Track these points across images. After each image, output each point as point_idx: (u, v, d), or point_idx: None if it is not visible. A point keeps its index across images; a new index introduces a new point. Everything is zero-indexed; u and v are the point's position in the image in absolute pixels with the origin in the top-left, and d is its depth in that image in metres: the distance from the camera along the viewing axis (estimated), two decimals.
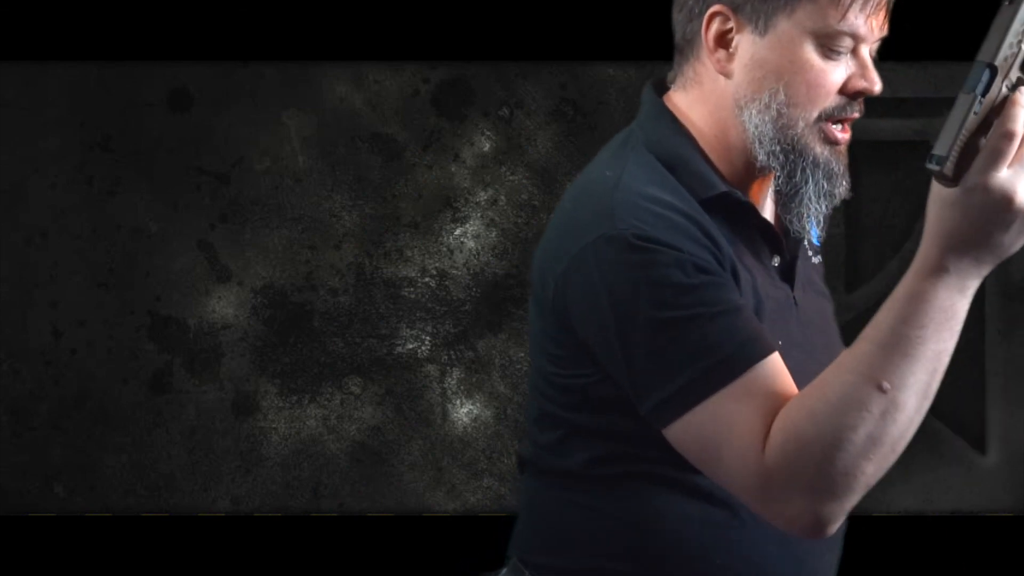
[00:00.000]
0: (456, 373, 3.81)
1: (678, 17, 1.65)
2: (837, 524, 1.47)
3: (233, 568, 3.77)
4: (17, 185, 3.80)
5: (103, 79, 3.79)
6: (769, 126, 1.59)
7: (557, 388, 1.64)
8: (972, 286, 1.44)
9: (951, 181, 1.39)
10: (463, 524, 3.79)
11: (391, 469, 3.82)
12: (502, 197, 3.81)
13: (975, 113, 1.37)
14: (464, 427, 3.81)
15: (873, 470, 1.44)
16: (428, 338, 3.82)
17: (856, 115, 1.61)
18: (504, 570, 1.73)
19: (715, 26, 1.60)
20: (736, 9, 1.58)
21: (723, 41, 1.60)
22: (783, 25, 1.57)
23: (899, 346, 1.43)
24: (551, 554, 1.69)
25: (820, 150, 1.60)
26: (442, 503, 3.80)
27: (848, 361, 1.47)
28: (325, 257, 3.82)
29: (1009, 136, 1.37)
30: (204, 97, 3.81)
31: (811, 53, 1.57)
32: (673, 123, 1.65)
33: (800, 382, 1.54)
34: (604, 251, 1.53)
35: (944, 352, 1.44)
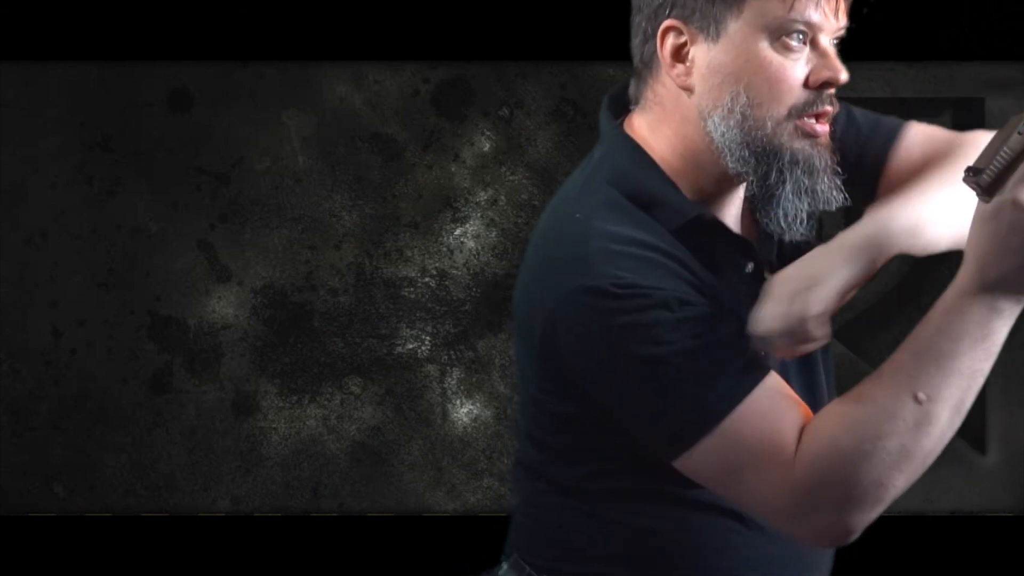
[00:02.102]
0: (456, 373, 3.81)
1: (634, 42, 1.63)
2: (859, 533, 1.50)
3: (233, 568, 3.77)
4: (17, 185, 3.80)
5: (103, 79, 3.79)
6: (736, 131, 1.56)
7: (551, 416, 1.63)
8: (1007, 308, 1.45)
9: (985, 194, 1.38)
10: (463, 524, 3.79)
11: (391, 469, 3.82)
12: (502, 197, 3.81)
13: (1020, 133, 1.36)
14: (464, 427, 3.81)
15: (903, 482, 1.51)
16: (428, 338, 3.82)
17: (829, 109, 1.57)
18: (504, 566, 1.73)
19: (669, 41, 1.57)
20: (686, 20, 1.56)
21: (680, 55, 1.57)
22: (733, 26, 1.54)
23: (935, 358, 1.45)
24: (550, 557, 1.69)
25: (798, 146, 1.56)
26: (442, 503, 3.80)
27: (886, 371, 1.47)
28: (325, 257, 3.82)
29: None
30: (204, 97, 3.80)
31: (766, 50, 1.54)
32: (635, 152, 1.62)
33: (789, 382, 1.55)
34: (587, 300, 1.51)
35: (979, 372, 1.48)
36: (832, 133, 1.61)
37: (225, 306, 3.83)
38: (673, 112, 1.61)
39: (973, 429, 3.82)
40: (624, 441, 1.57)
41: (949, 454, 4.21)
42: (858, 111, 1.75)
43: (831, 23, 1.56)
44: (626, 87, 1.69)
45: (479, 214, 3.82)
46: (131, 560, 3.76)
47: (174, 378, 3.81)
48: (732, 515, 1.61)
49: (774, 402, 1.49)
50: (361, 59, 3.79)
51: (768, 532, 1.60)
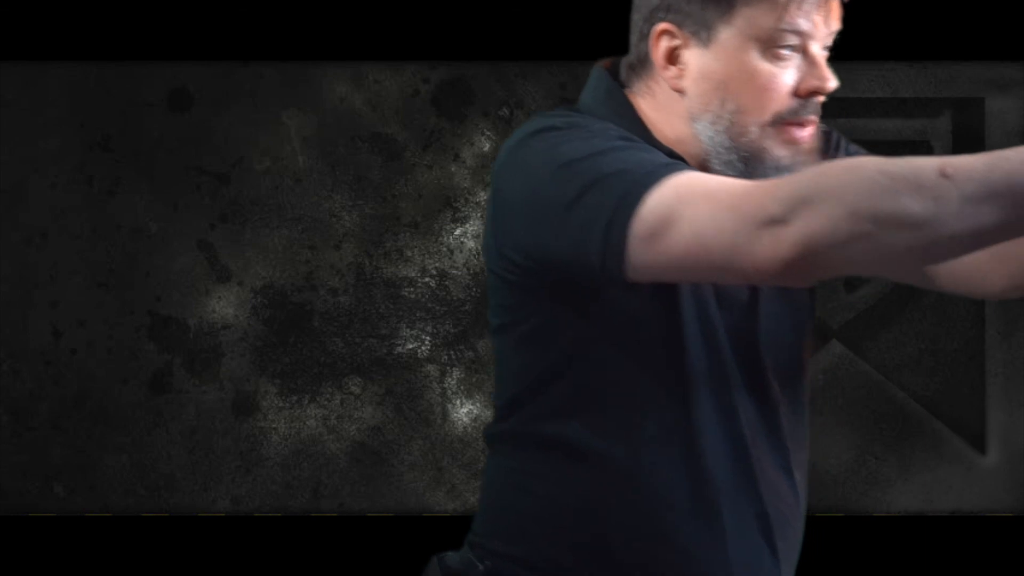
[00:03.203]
0: (456, 373, 3.81)
1: (632, 39, 1.64)
2: (818, 261, 1.35)
3: (233, 568, 3.77)
4: (17, 185, 3.80)
5: (103, 79, 3.79)
6: (723, 136, 1.56)
7: (507, 332, 1.67)
8: None
9: None
10: (463, 524, 3.78)
11: (391, 469, 3.82)
12: None
13: None
14: (464, 427, 3.81)
15: (875, 232, 1.32)
16: (428, 338, 3.82)
17: (813, 116, 1.57)
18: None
19: (663, 44, 1.58)
20: (680, 25, 1.56)
21: (673, 58, 1.58)
22: (725, 34, 1.54)
23: (990, 161, 1.31)
24: (486, 526, 1.77)
25: (781, 153, 1.56)
26: (442, 503, 3.80)
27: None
28: (325, 257, 3.82)
29: None
30: (204, 97, 3.81)
31: (756, 58, 1.54)
32: (637, 118, 1.62)
33: (767, 366, 1.55)
34: (532, 138, 1.53)
35: (1010, 218, 1.30)
36: (824, 154, 1.60)
37: (225, 306, 3.83)
38: (666, 107, 1.61)
39: (973, 429, 3.82)
40: (569, 355, 1.57)
41: (949, 454, 4.24)
42: (853, 146, 1.74)
43: (822, 31, 1.56)
44: (618, 64, 1.70)
45: (479, 214, 3.82)
46: (131, 560, 3.77)
47: (174, 378, 3.81)
48: (674, 494, 1.59)
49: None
50: (361, 59, 3.79)
51: (674, 499, 1.58)
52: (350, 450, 3.83)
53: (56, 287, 3.80)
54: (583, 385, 1.60)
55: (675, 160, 1.50)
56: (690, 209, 1.41)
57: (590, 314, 1.57)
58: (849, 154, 1.70)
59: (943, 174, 1.30)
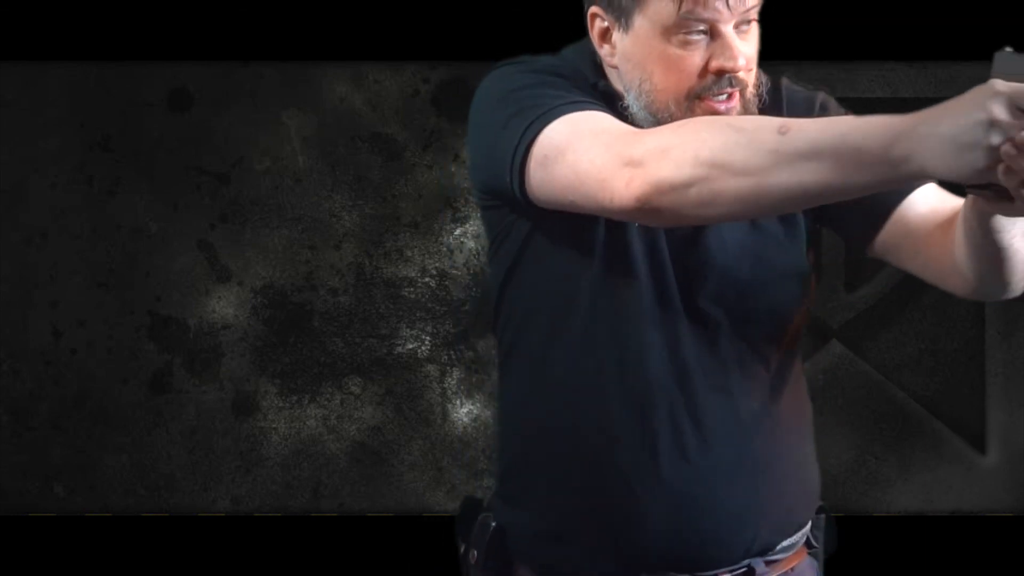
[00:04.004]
0: (456, 373, 3.82)
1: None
2: (660, 198, 1.48)
3: (233, 568, 3.77)
4: (17, 185, 3.80)
5: (103, 79, 3.79)
6: (645, 111, 1.67)
7: (492, 268, 1.81)
8: (909, 158, 1.37)
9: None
10: None
11: (391, 469, 3.82)
12: None
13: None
14: (464, 427, 3.81)
15: (714, 176, 1.44)
16: (428, 338, 3.82)
17: (729, 89, 1.65)
18: None
19: (596, 25, 1.71)
20: (606, 10, 1.69)
21: (605, 37, 1.70)
22: (639, 21, 1.65)
23: (825, 125, 1.43)
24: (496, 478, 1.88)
25: None
26: (442, 503, 3.80)
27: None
28: (325, 257, 3.82)
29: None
30: (204, 97, 3.81)
31: (665, 43, 1.64)
32: (594, 65, 1.74)
33: (711, 292, 1.65)
34: (488, 77, 1.72)
35: (834, 176, 1.40)
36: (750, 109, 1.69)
37: (225, 306, 3.83)
38: (614, 77, 1.73)
39: (973, 429, 3.82)
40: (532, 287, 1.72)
41: (949, 454, 4.24)
42: (832, 106, 1.80)
43: (727, 14, 1.63)
44: None
45: (479, 214, 3.82)
46: (131, 560, 3.77)
47: (174, 378, 3.81)
48: (608, 405, 1.68)
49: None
50: (361, 59, 3.79)
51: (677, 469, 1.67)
52: (350, 450, 3.83)
53: (56, 287, 3.80)
54: (531, 300, 1.74)
55: (592, 100, 1.64)
56: (577, 142, 1.56)
57: (538, 233, 1.70)
58: (825, 112, 1.77)
59: (780, 131, 1.43)
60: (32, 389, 3.81)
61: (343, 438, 3.83)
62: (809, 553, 1.82)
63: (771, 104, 1.71)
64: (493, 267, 1.81)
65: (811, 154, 1.41)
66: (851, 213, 1.69)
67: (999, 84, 1.34)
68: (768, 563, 1.74)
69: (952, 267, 1.65)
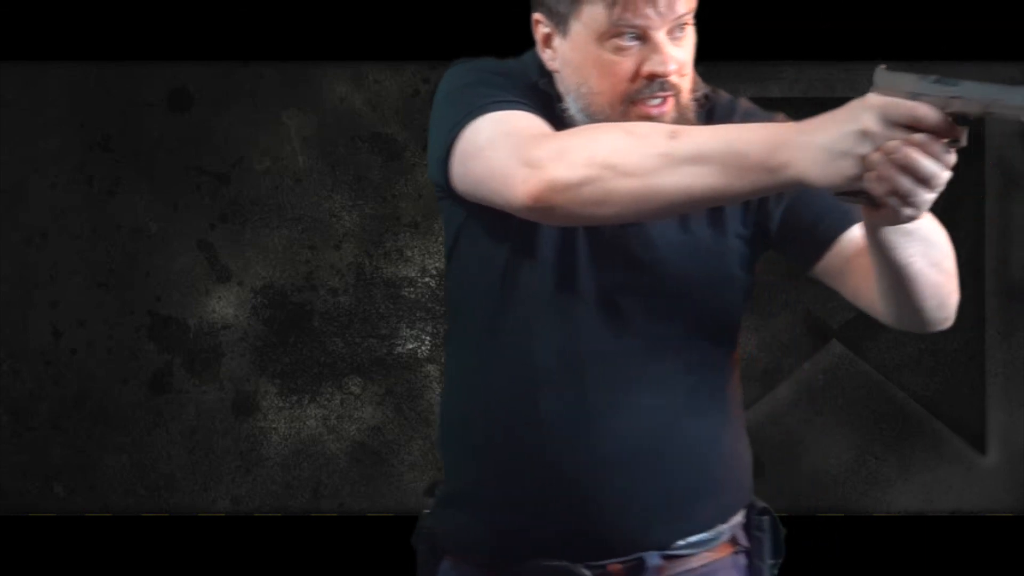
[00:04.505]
0: None
1: None
2: (547, 202, 1.56)
3: (233, 568, 3.77)
4: (17, 185, 3.80)
5: (103, 79, 3.79)
6: (582, 114, 1.73)
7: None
8: (791, 164, 1.46)
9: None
10: None
11: (391, 469, 3.82)
12: None
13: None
14: None
15: (607, 177, 1.52)
16: (428, 338, 3.82)
17: (662, 93, 1.70)
18: None
19: (540, 30, 1.76)
20: (547, 16, 1.74)
21: (548, 42, 1.76)
22: (576, 28, 1.71)
23: (716, 132, 1.52)
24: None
25: None
26: None
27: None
28: (325, 257, 3.83)
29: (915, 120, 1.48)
30: (204, 97, 3.81)
31: (600, 49, 1.70)
32: (542, 70, 1.79)
33: (622, 284, 1.71)
34: (445, 76, 1.77)
35: (719, 180, 1.48)
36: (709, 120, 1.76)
37: (225, 306, 3.83)
38: (558, 81, 1.78)
39: (973, 429, 3.82)
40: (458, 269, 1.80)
41: (949, 454, 4.24)
42: (748, 109, 1.86)
43: (657, 20, 1.68)
44: None
45: None
46: (131, 560, 3.77)
47: (174, 378, 3.81)
48: (506, 391, 1.75)
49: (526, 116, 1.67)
50: (361, 59, 3.79)
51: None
52: (350, 450, 3.83)
53: (56, 287, 3.80)
54: (461, 289, 1.83)
55: (523, 100, 1.70)
56: (493, 141, 1.64)
57: (469, 223, 1.78)
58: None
59: (671, 136, 1.52)
60: (32, 389, 3.81)
61: (343, 438, 3.83)
62: (736, 553, 1.83)
63: (707, 114, 1.78)
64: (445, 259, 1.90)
65: (698, 159, 1.49)
66: (796, 237, 1.76)
67: (873, 97, 1.45)
68: (669, 557, 1.77)
69: (875, 295, 1.70)
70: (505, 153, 1.62)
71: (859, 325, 3.83)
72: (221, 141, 3.81)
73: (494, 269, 1.77)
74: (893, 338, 3.86)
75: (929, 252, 1.63)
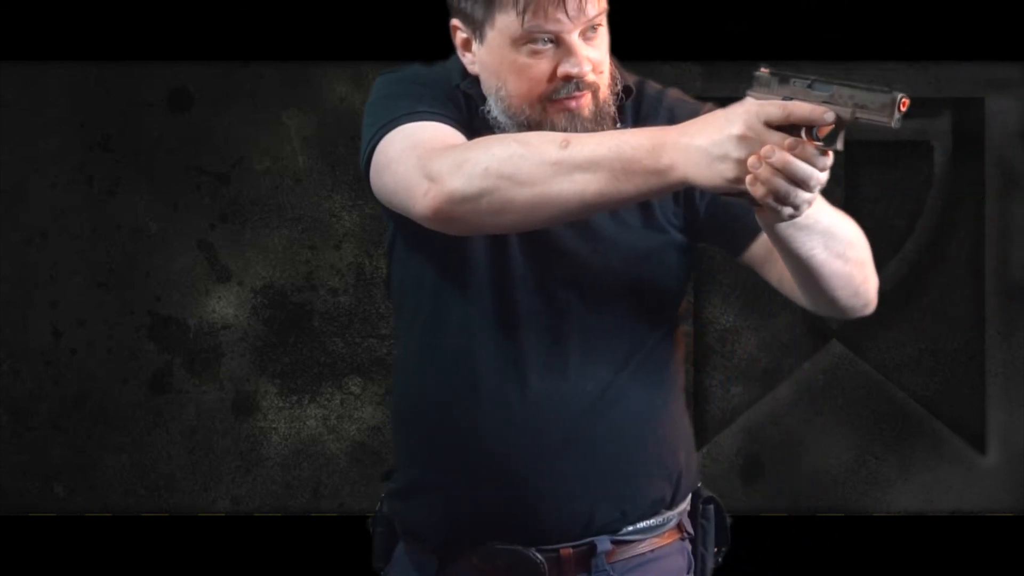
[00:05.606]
0: None
1: None
2: (452, 205, 1.62)
3: (233, 568, 3.77)
4: (17, 185, 3.80)
5: (103, 79, 3.79)
6: (504, 115, 1.78)
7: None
8: (673, 167, 1.53)
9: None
10: None
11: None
12: None
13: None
14: None
15: (503, 186, 1.59)
16: None
17: (577, 92, 1.74)
18: None
19: (458, 36, 1.83)
20: (464, 22, 1.81)
21: (467, 47, 1.82)
22: (491, 33, 1.76)
23: (604, 139, 1.59)
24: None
25: (559, 122, 1.75)
26: None
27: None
28: (325, 257, 3.82)
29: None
30: (204, 97, 3.81)
31: (514, 54, 1.75)
32: (466, 76, 1.84)
33: (559, 274, 1.75)
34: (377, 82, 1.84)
35: (609, 186, 1.55)
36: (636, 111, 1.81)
37: (225, 306, 3.83)
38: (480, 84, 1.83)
39: (973, 429, 3.82)
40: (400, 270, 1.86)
41: (949, 454, 4.24)
42: (673, 100, 1.90)
43: (569, 24, 1.72)
44: None
45: None
46: (131, 560, 3.77)
47: (174, 378, 3.81)
48: (449, 380, 1.80)
49: (433, 128, 1.73)
50: (361, 59, 3.79)
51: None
52: (350, 450, 3.83)
53: (56, 287, 3.80)
54: (400, 288, 1.88)
55: (439, 111, 1.76)
56: (401, 154, 1.70)
57: (402, 227, 1.82)
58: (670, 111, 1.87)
59: (562, 145, 1.58)
60: (32, 389, 3.81)
61: (343, 438, 3.83)
62: (682, 539, 1.88)
63: (634, 106, 1.82)
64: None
65: (588, 165, 1.57)
66: (724, 227, 1.81)
67: (750, 102, 1.51)
68: (618, 543, 1.81)
69: (792, 284, 1.77)
70: (411, 166, 1.67)
71: (859, 325, 3.83)
72: (221, 141, 3.81)
73: (431, 267, 1.82)
74: (893, 338, 3.85)
75: (830, 244, 1.68)
